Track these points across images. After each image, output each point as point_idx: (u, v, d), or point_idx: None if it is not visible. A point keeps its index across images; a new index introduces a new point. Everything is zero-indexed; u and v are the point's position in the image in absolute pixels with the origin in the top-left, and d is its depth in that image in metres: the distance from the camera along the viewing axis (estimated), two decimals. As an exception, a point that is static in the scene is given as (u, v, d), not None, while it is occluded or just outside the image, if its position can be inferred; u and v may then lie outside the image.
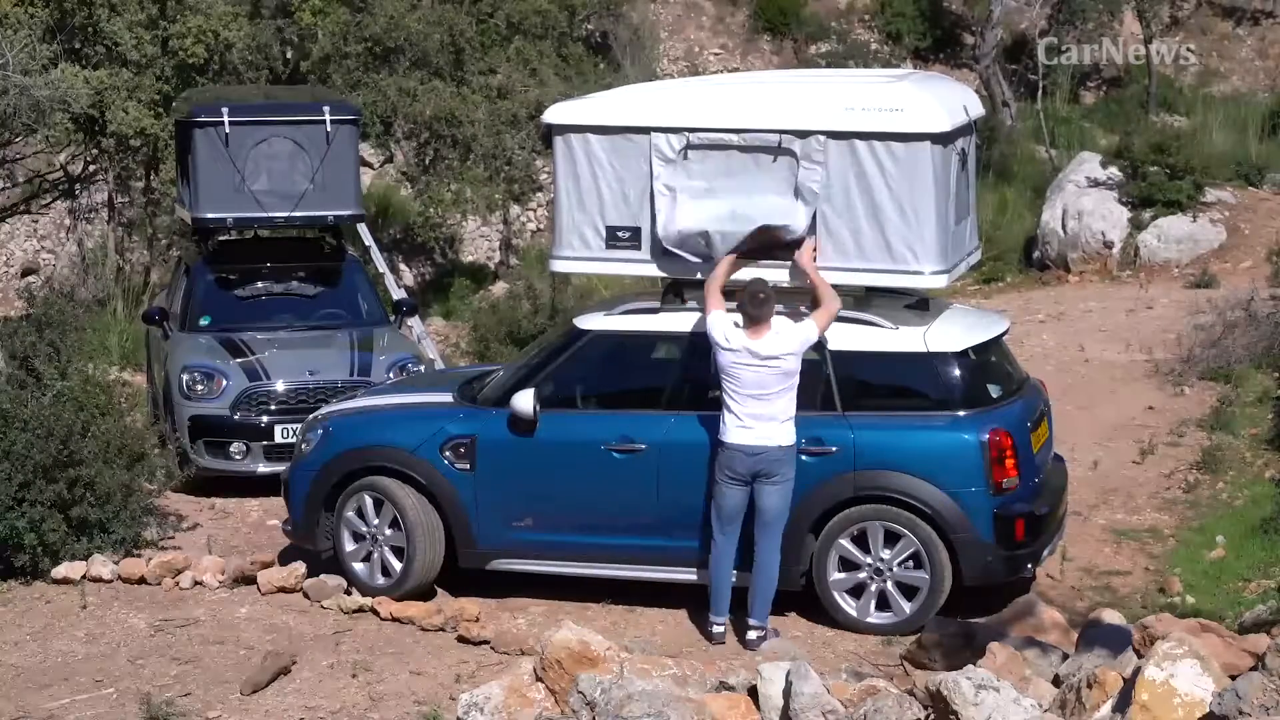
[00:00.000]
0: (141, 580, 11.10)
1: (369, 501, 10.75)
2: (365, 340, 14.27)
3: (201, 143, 14.64)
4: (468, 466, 10.54)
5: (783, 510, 9.85)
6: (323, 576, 10.79)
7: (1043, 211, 22.21)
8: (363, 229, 15.99)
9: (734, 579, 9.99)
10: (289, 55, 23.20)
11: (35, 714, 9.10)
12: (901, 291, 10.47)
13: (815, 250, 10.00)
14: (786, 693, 7.11)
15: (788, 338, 9.74)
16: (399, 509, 10.63)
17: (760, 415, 9.70)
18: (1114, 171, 21.84)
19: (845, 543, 10.08)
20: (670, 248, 10.26)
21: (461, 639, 9.98)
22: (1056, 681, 8.13)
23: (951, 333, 10.31)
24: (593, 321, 10.66)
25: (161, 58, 20.45)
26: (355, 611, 10.47)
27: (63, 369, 12.00)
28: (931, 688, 6.87)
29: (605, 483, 10.27)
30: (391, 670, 9.52)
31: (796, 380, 9.74)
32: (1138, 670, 6.58)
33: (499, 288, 21.78)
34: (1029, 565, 10.35)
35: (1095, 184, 21.88)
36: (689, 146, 10.23)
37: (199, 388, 13.62)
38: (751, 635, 9.88)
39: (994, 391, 10.40)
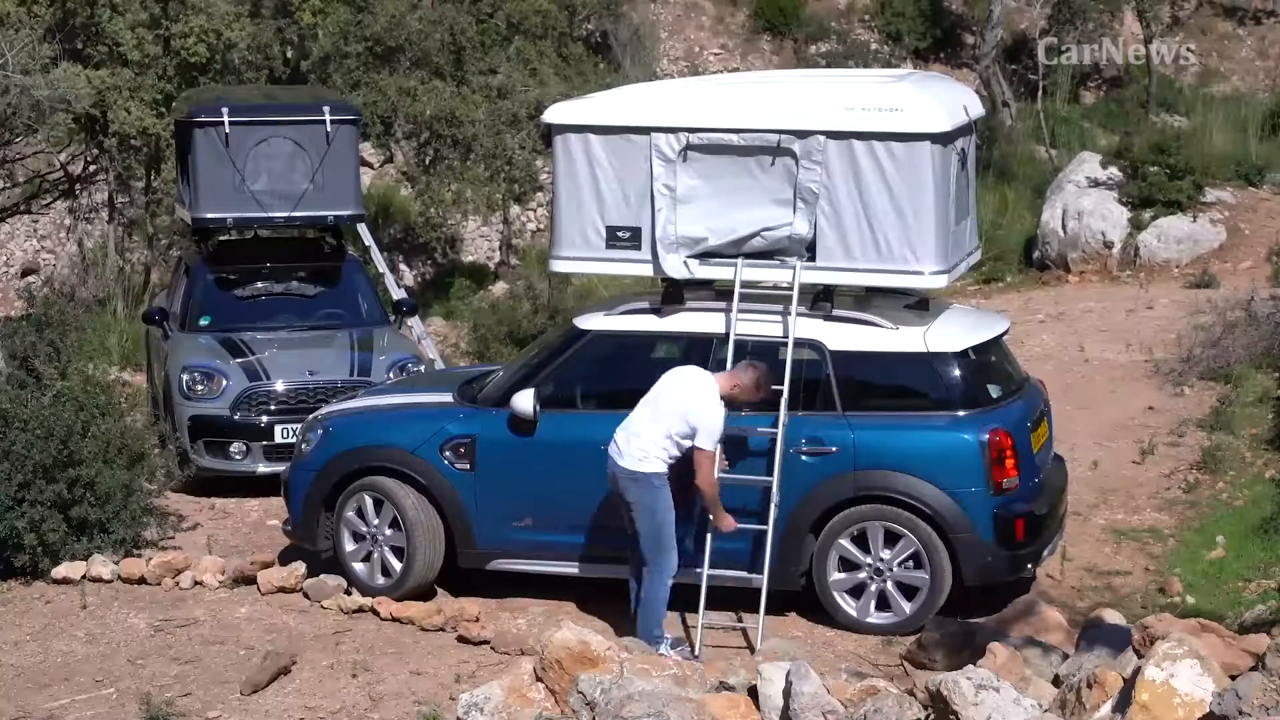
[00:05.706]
0: (141, 580, 11.10)
1: (369, 501, 10.75)
2: (365, 340, 14.25)
3: (202, 143, 14.63)
4: (468, 466, 10.53)
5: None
6: (323, 576, 10.78)
7: (1043, 211, 22.18)
8: (363, 229, 15.98)
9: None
10: (289, 55, 23.21)
11: (35, 714, 9.10)
12: (901, 291, 10.48)
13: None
14: (786, 693, 7.11)
15: None
16: (399, 509, 10.63)
17: None
18: (1114, 171, 21.81)
19: (845, 543, 10.08)
20: (669, 248, 10.27)
21: (461, 639, 9.98)
22: (1056, 681, 8.13)
23: (951, 333, 10.31)
24: (593, 321, 10.65)
25: (164, 57, 20.45)
26: (355, 611, 10.47)
27: (63, 369, 12.01)
28: (931, 688, 6.87)
29: (605, 483, 10.25)
30: (391, 670, 9.51)
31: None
32: (1138, 670, 6.58)
33: (499, 288, 21.78)
34: (1029, 565, 10.35)
35: (1095, 184, 21.85)
36: (689, 147, 10.23)
37: (199, 388, 13.61)
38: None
39: (994, 391, 10.39)
